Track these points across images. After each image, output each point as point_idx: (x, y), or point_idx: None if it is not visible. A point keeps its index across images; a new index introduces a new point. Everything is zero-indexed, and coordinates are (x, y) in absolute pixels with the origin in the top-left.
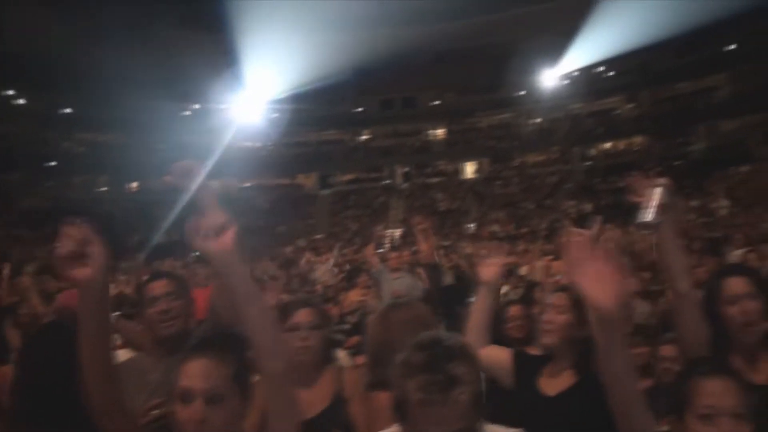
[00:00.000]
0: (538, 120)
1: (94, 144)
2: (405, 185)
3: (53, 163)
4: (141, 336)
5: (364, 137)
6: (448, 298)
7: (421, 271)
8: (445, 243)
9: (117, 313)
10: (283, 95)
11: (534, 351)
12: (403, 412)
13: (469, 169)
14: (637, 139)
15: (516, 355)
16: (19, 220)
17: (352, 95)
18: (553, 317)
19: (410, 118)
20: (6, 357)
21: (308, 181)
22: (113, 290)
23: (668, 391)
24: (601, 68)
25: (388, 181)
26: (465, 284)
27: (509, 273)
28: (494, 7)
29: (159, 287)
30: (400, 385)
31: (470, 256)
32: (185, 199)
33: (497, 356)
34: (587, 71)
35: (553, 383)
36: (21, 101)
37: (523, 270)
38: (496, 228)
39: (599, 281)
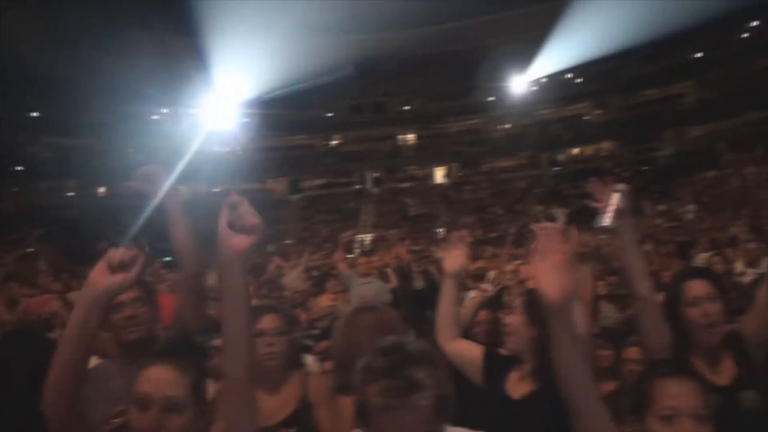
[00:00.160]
0: (508, 125)
1: (61, 148)
2: (375, 190)
3: (20, 168)
4: (107, 342)
5: (334, 142)
6: (419, 302)
7: (390, 275)
8: (415, 248)
9: None
10: (253, 100)
11: (505, 352)
12: (365, 417)
13: (439, 174)
14: (606, 145)
15: (487, 353)
16: None
17: (322, 100)
18: (515, 320)
19: (380, 123)
20: None
21: (278, 186)
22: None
23: (630, 392)
24: (570, 75)
25: (358, 186)
26: (435, 289)
27: (477, 278)
28: (464, 13)
29: (125, 293)
30: (361, 390)
31: (440, 261)
32: (153, 204)
33: (469, 352)
34: (556, 77)
35: (520, 386)
36: None
37: (492, 274)
38: (465, 233)
39: (552, 273)
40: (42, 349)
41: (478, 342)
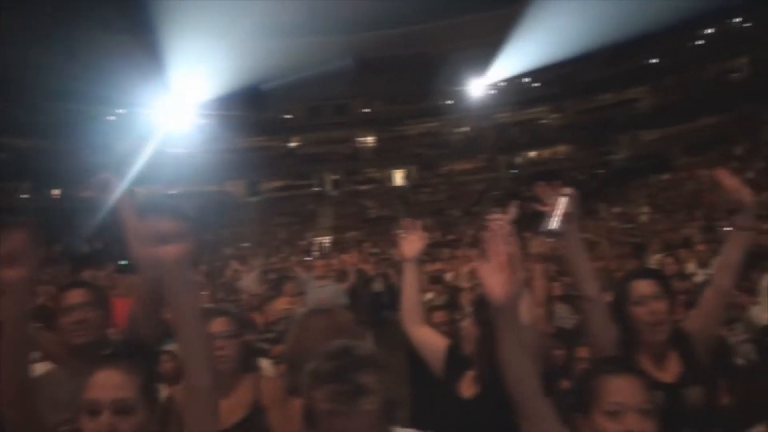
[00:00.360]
0: (466, 128)
1: (15, 149)
2: (334, 193)
3: None
4: (57, 346)
5: (293, 144)
6: (377, 304)
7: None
8: (374, 250)
9: (37, 325)
10: (210, 101)
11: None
12: (312, 421)
13: (398, 177)
14: (562, 148)
15: (450, 348)
16: None
17: (281, 102)
18: (470, 323)
19: (339, 125)
20: None
21: (236, 188)
22: (35, 301)
23: (576, 390)
24: (527, 79)
25: (317, 189)
26: (394, 291)
27: (435, 279)
28: (423, 16)
29: (75, 296)
30: (308, 395)
31: (399, 263)
32: (108, 206)
33: (434, 342)
34: (513, 81)
35: (471, 386)
36: None
37: (449, 276)
38: (427, 243)
39: (498, 273)
40: None
41: None
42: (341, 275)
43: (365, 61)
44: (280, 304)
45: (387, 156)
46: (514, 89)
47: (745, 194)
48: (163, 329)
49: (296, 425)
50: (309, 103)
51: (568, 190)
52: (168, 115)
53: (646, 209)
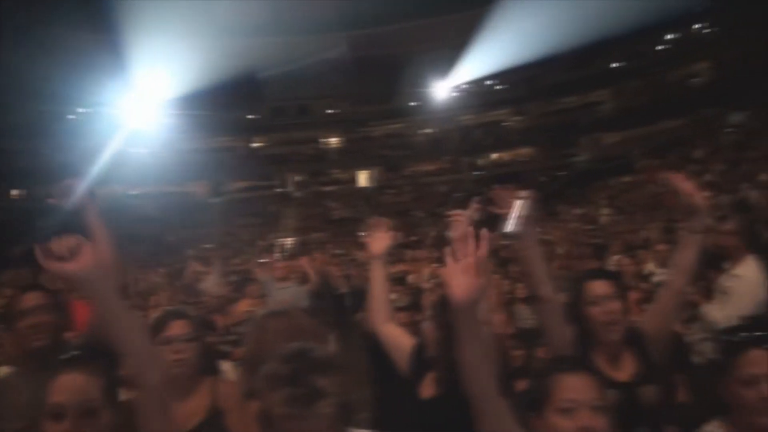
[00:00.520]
0: (430, 130)
1: None
2: (298, 193)
3: None
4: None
5: (256, 145)
6: (341, 306)
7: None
8: (338, 251)
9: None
10: (173, 100)
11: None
12: (268, 425)
13: (362, 178)
14: (525, 150)
15: (416, 348)
16: None
17: (245, 102)
18: (431, 326)
19: (304, 126)
20: None
21: (199, 188)
22: None
23: (531, 389)
24: (491, 81)
25: (280, 190)
26: (358, 292)
27: (398, 280)
28: (388, 18)
29: (31, 300)
30: (264, 398)
31: (364, 264)
32: (70, 208)
33: (401, 340)
34: (477, 84)
35: (431, 387)
36: None
37: (412, 277)
38: (395, 240)
39: (461, 274)
40: None
41: None
42: (304, 277)
43: (331, 61)
44: (243, 306)
45: (351, 157)
46: (478, 92)
47: (699, 198)
48: None
49: (255, 428)
50: (273, 103)
51: (524, 192)
52: (131, 114)
53: (607, 211)
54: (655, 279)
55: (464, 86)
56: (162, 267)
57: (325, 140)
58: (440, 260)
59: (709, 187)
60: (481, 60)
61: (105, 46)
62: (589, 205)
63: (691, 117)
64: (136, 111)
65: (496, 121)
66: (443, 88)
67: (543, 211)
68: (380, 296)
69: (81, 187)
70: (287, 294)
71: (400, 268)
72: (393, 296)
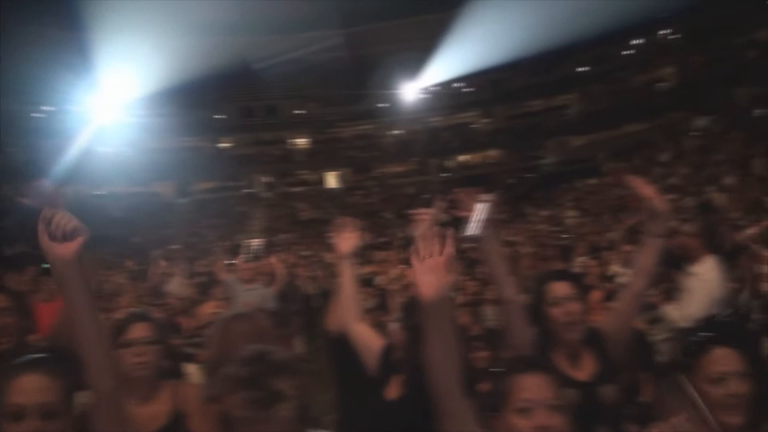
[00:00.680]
0: (398, 132)
1: None
2: (266, 194)
3: None
4: None
5: (224, 145)
6: (308, 307)
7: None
8: (306, 253)
9: None
10: (140, 99)
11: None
12: (228, 427)
13: (331, 179)
14: (492, 153)
15: (386, 348)
16: None
17: (213, 102)
18: (398, 328)
19: (272, 126)
20: None
21: (165, 189)
22: None
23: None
24: (459, 84)
25: (248, 190)
26: (325, 294)
27: (366, 282)
28: (357, 20)
29: None
30: (224, 400)
31: (331, 266)
32: (33, 208)
33: (371, 340)
34: (446, 86)
35: (396, 388)
36: None
37: (380, 279)
38: (363, 240)
39: (430, 273)
40: None
41: None
42: (271, 278)
43: (299, 62)
44: (208, 309)
45: (319, 158)
46: (446, 94)
47: (659, 201)
48: None
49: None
50: (241, 104)
51: (486, 196)
52: (97, 113)
53: (572, 213)
54: (619, 280)
55: (432, 88)
56: (127, 268)
57: (293, 141)
58: (407, 261)
59: (673, 189)
60: (449, 62)
61: (71, 44)
62: (555, 207)
63: (657, 121)
64: (103, 110)
65: (464, 124)
66: (412, 90)
67: (510, 213)
68: (350, 295)
69: (51, 186)
70: (253, 296)
71: (368, 269)
72: (360, 297)
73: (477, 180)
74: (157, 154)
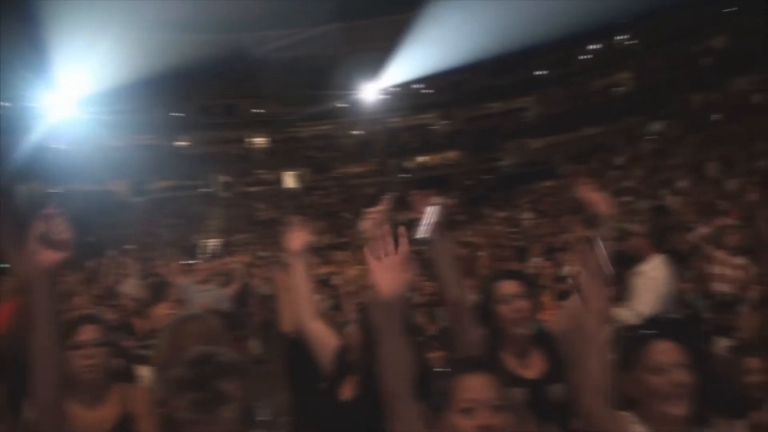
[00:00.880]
0: (358, 132)
1: None
2: (224, 194)
3: None
4: None
5: (181, 143)
6: (265, 308)
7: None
8: (265, 253)
9: None
10: (95, 95)
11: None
12: (173, 430)
13: (290, 179)
14: (451, 154)
15: (341, 350)
16: None
17: (170, 99)
18: (354, 329)
19: (230, 125)
20: None
21: (120, 187)
22: None
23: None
24: (419, 85)
25: (206, 190)
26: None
27: (323, 282)
28: (317, 19)
29: None
30: (168, 402)
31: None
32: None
33: (327, 340)
34: (405, 87)
35: (350, 388)
36: None
37: (337, 279)
38: (314, 238)
39: (387, 270)
40: None
41: None
42: (227, 279)
43: (258, 61)
44: (161, 310)
45: (278, 158)
46: (406, 95)
47: (606, 207)
48: None
49: None
50: (199, 102)
51: (438, 198)
52: (51, 109)
53: (529, 214)
54: (571, 281)
55: (392, 89)
56: (81, 268)
57: (252, 140)
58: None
59: (628, 192)
60: (409, 64)
61: (25, 39)
62: (512, 209)
63: (613, 125)
64: (58, 106)
65: (423, 125)
66: (371, 91)
67: (468, 214)
68: (304, 293)
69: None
70: (208, 297)
71: (326, 269)
72: (317, 298)
73: (435, 181)
74: (113, 152)
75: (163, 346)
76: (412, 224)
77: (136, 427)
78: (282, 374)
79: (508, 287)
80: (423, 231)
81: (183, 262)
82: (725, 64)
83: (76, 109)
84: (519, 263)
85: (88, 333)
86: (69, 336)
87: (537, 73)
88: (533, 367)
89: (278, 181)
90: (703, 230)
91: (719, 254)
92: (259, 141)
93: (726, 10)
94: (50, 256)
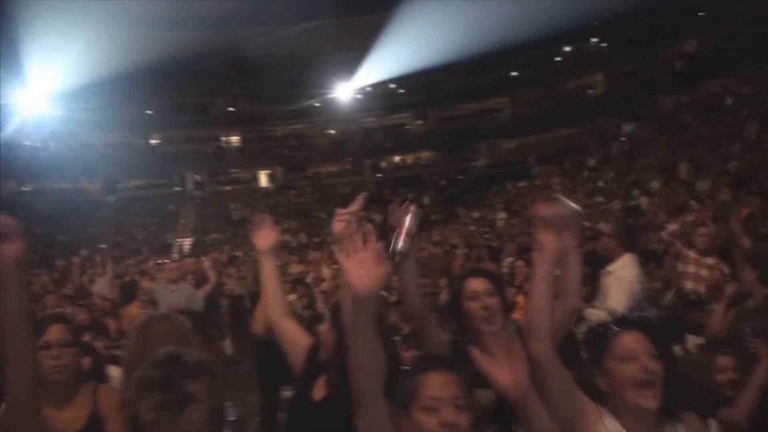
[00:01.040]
0: (332, 132)
1: None
2: (197, 193)
3: None
4: None
5: (154, 141)
6: (237, 308)
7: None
8: (238, 253)
9: None
10: (67, 93)
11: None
12: (139, 431)
13: (264, 178)
14: (425, 154)
15: (312, 348)
16: None
17: (144, 97)
18: (327, 328)
19: (204, 123)
20: None
21: (92, 186)
22: None
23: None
24: (393, 85)
25: (178, 189)
26: (255, 294)
27: (298, 281)
28: (292, 18)
29: None
30: (134, 404)
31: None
32: None
33: (298, 339)
34: (379, 87)
35: (322, 388)
36: None
37: (310, 278)
38: (288, 237)
39: (361, 265)
40: None
41: None
42: (201, 278)
43: (232, 59)
44: (134, 309)
45: (252, 156)
46: (380, 95)
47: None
48: None
49: None
50: (172, 100)
51: (413, 208)
52: (21, 106)
53: (502, 214)
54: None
55: (367, 89)
56: (52, 268)
57: (226, 139)
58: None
59: (601, 193)
60: (383, 64)
61: None
62: (486, 209)
63: (586, 126)
64: (28, 104)
65: (397, 125)
66: (346, 90)
67: (443, 214)
68: (274, 289)
69: None
70: (179, 296)
71: (300, 268)
72: (292, 297)
73: (410, 180)
74: (85, 150)
75: (130, 346)
76: (389, 234)
77: (106, 427)
78: (254, 374)
79: (476, 284)
80: (400, 244)
81: (156, 261)
82: (696, 68)
83: (47, 106)
84: (493, 263)
85: (55, 333)
86: (37, 336)
87: (511, 74)
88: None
89: (252, 179)
90: (672, 227)
91: (691, 253)
92: (233, 139)
93: (697, 15)
94: (10, 249)
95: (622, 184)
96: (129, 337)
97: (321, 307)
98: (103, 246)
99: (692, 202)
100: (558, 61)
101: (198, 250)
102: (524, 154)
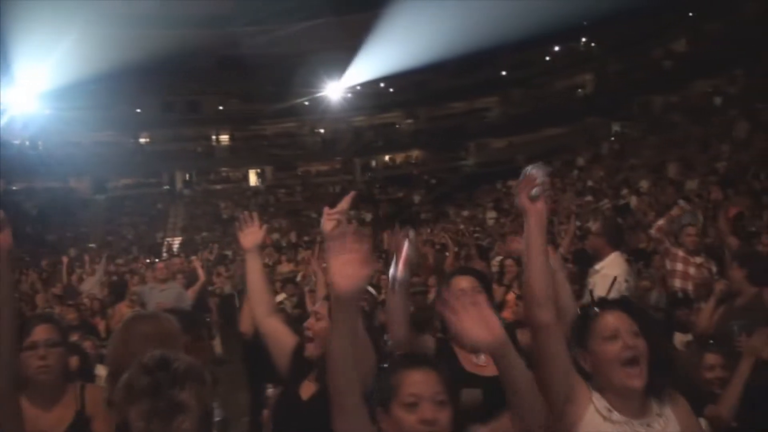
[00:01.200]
0: (322, 130)
1: None
2: (186, 192)
3: None
4: None
5: (143, 140)
6: (226, 307)
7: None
8: (227, 252)
9: None
10: (56, 91)
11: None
12: None
13: (254, 177)
14: (415, 153)
15: (297, 348)
16: None
17: (133, 95)
18: (313, 324)
19: (193, 122)
20: None
21: (81, 185)
22: None
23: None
24: (383, 84)
25: (168, 187)
26: (243, 294)
27: (287, 280)
28: (281, 17)
29: None
30: (122, 409)
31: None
32: None
33: (283, 339)
34: (369, 86)
35: (310, 387)
36: None
37: (300, 277)
38: (277, 236)
39: (347, 266)
40: None
41: None
42: (190, 278)
43: (222, 57)
44: (123, 309)
45: (242, 155)
46: (370, 94)
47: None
48: None
49: None
50: (162, 98)
51: (411, 234)
52: (10, 105)
53: (492, 213)
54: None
55: (356, 88)
56: (41, 267)
57: (216, 137)
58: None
59: (590, 192)
60: (373, 63)
61: None
62: (475, 208)
63: (575, 125)
64: (16, 102)
65: (387, 124)
66: (335, 89)
67: (432, 213)
68: (259, 289)
69: None
70: (167, 296)
71: (290, 267)
72: (282, 296)
73: (399, 179)
74: (74, 149)
75: (114, 345)
76: (388, 260)
77: (92, 427)
78: (243, 374)
79: (462, 282)
80: (401, 272)
81: (146, 260)
82: (686, 67)
83: (36, 105)
84: (482, 261)
85: (42, 333)
86: (23, 336)
87: (501, 73)
88: (491, 364)
89: (242, 178)
90: (659, 222)
91: (679, 252)
92: (223, 138)
93: (686, 15)
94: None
95: (612, 184)
96: (113, 336)
97: (311, 306)
98: (93, 245)
99: (681, 202)
100: (547, 61)
101: (188, 249)
102: (514, 154)
